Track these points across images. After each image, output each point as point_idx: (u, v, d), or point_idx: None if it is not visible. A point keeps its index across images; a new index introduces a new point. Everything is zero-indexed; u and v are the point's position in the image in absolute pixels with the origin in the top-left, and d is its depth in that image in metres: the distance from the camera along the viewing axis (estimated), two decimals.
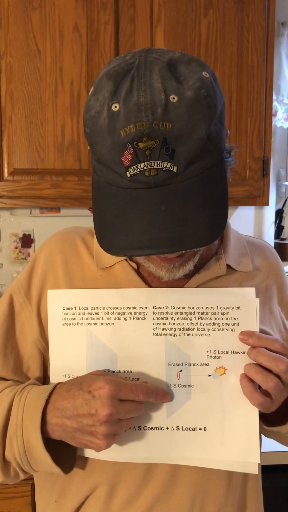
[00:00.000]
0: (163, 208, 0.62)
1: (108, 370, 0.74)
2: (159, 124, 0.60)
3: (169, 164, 0.62)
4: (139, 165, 0.62)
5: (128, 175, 0.63)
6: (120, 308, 0.75)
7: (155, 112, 0.60)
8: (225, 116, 0.69)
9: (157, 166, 0.62)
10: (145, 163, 0.61)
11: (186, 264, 0.73)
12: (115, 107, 0.62)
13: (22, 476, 0.77)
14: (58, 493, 0.80)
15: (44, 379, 0.82)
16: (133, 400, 0.69)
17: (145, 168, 0.62)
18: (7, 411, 0.73)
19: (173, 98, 0.61)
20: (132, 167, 0.62)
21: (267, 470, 1.26)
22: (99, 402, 0.66)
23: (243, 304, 0.74)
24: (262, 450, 0.85)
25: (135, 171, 0.62)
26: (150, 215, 0.63)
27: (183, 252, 0.69)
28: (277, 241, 2.15)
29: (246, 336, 0.72)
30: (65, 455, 0.75)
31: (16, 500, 1.46)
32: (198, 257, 0.74)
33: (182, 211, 0.63)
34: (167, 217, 0.62)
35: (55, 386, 0.72)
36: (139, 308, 0.74)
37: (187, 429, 0.73)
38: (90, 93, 0.67)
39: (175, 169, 0.62)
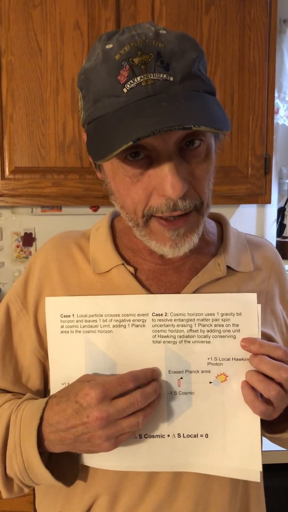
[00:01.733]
0: (164, 104, 0.61)
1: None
2: (152, 42, 0.62)
3: (165, 74, 0.62)
4: (135, 78, 0.61)
5: (125, 91, 0.62)
6: (119, 315, 0.73)
7: (147, 35, 0.63)
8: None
9: (153, 77, 0.61)
10: (141, 76, 0.61)
11: (190, 235, 0.69)
12: (109, 45, 0.64)
13: (26, 491, 0.76)
14: (62, 503, 0.79)
15: (45, 389, 0.81)
16: (129, 395, 0.67)
17: (141, 80, 0.61)
18: (5, 429, 0.73)
19: (163, 31, 0.64)
20: (128, 82, 0.61)
21: (268, 469, 1.25)
22: (88, 410, 0.65)
23: (244, 310, 0.72)
24: (262, 449, 0.84)
25: (132, 84, 0.61)
26: (151, 111, 0.61)
27: (187, 214, 0.67)
28: (279, 239, 2.14)
29: (247, 343, 0.71)
30: (68, 465, 0.74)
31: (18, 499, 1.46)
32: (201, 232, 0.71)
33: (185, 106, 0.61)
34: (170, 108, 0.61)
35: (47, 401, 0.71)
36: (138, 315, 0.73)
37: (189, 436, 0.72)
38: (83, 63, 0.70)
39: (171, 79, 0.62)
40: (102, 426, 0.65)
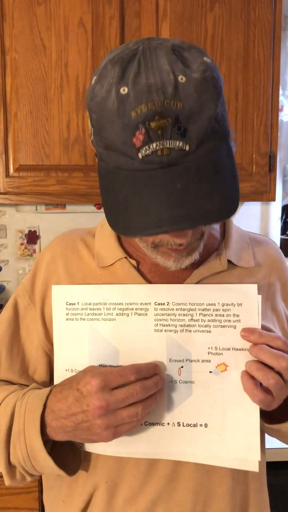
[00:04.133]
0: (179, 187, 0.61)
1: (110, 366, 0.75)
2: (170, 103, 0.59)
3: (181, 142, 0.60)
4: (151, 145, 0.60)
5: (140, 157, 0.61)
6: (122, 304, 0.75)
7: (166, 91, 0.59)
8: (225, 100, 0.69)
9: (169, 145, 0.60)
10: (157, 143, 0.60)
11: (193, 253, 0.73)
12: (124, 90, 0.61)
13: (28, 479, 0.78)
14: (66, 492, 0.81)
15: (50, 382, 0.82)
16: (129, 385, 0.68)
17: (157, 148, 0.60)
18: (10, 417, 0.74)
19: (182, 78, 0.60)
20: (144, 148, 0.61)
21: (273, 466, 1.25)
22: (88, 398, 0.67)
23: (245, 300, 0.74)
24: (267, 447, 0.84)
25: (147, 151, 0.61)
26: (166, 194, 0.61)
27: (198, 232, 0.70)
28: (283, 237, 2.14)
29: (247, 333, 0.72)
30: (71, 455, 0.76)
31: (23, 496, 1.47)
32: (202, 247, 0.75)
33: (197, 188, 0.61)
34: (184, 194, 0.61)
35: (51, 389, 0.73)
36: (141, 304, 0.75)
37: (188, 425, 0.74)
38: (93, 81, 0.66)
39: (187, 148, 0.61)
40: (101, 414, 0.66)
